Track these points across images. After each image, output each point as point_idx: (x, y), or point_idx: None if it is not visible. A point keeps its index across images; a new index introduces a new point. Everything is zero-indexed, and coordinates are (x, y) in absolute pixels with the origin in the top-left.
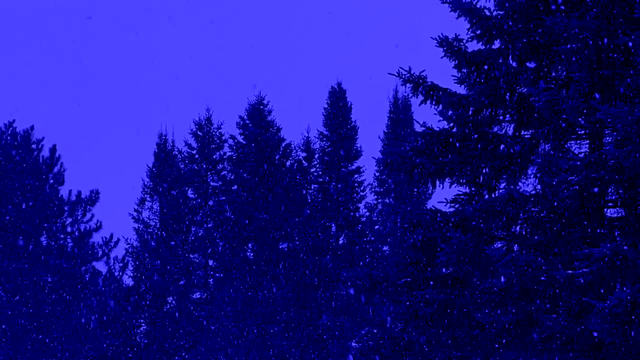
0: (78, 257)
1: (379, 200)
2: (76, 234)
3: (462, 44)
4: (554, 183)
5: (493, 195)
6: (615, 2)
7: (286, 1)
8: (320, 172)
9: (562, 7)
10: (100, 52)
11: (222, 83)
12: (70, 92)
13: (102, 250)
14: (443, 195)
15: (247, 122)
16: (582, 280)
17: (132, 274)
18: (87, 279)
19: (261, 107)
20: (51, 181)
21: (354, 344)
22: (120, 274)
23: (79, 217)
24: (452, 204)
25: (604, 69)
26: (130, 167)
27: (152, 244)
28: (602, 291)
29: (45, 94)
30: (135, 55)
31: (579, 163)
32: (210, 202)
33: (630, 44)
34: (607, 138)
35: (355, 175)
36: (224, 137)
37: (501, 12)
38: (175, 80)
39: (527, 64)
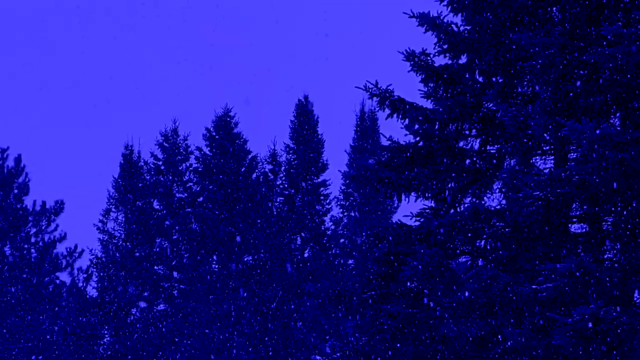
0: (42, 267)
1: (345, 214)
2: (40, 244)
3: (429, 58)
4: (519, 198)
5: (458, 210)
6: (581, 18)
7: (253, 13)
8: (286, 185)
9: (529, 23)
10: (65, 62)
11: (189, 94)
12: (35, 101)
13: (66, 260)
14: (408, 209)
15: (214, 133)
16: (546, 295)
17: (96, 285)
18: (51, 289)
19: (228, 119)
20: (15, 191)
21: (318, 358)
22: (85, 285)
23: (43, 227)
24: (418, 218)
25: (570, 85)
26: (96, 178)
27: (117, 255)
28: (566, 306)
29: (9, 102)
30: (102, 66)
31: (543, 178)
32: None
33: (594, 60)
34: (572, 154)
35: (321, 188)
36: (190, 149)
37: (468, 27)
38: (142, 91)
39: (494, 79)
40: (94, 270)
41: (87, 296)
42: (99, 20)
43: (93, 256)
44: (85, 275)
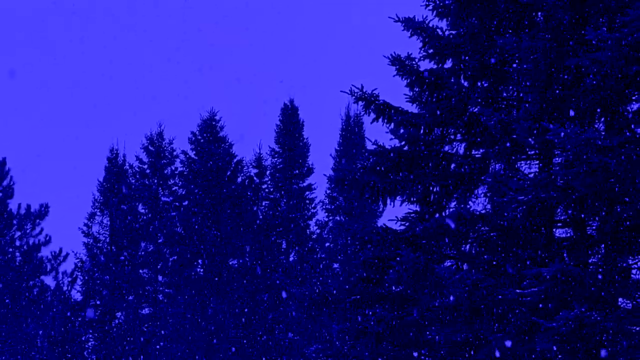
0: (26, 271)
1: (330, 218)
2: (25, 247)
3: (414, 62)
4: (504, 203)
5: (443, 214)
6: (566, 23)
7: (239, 17)
8: (271, 189)
9: (514, 28)
10: (51, 65)
11: (175, 98)
12: (20, 104)
13: (50, 264)
14: (394, 213)
15: (199, 137)
16: (530, 300)
17: (80, 289)
18: (35, 293)
19: (213, 122)
20: (0, 194)
21: None
22: (69, 288)
23: (27, 231)
24: (403, 222)
25: (554, 90)
26: (81, 182)
27: (102, 258)
28: (550, 311)
29: None
30: (87, 69)
31: (528, 183)
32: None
33: (579, 65)
34: (557, 159)
35: (307, 192)
36: (175, 152)
37: (453, 32)
38: (127, 95)
39: (479, 84)
40: (79, 274)
41: (72, 300)
42: (86, 25)
43: (78, 260)
44: (70, 279)
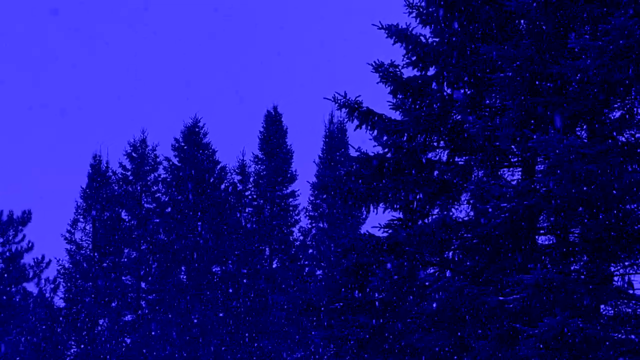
0: (9, 277)
1: (313, 225)
2: (7, 254)
3: (397, 70)
4: (487, 210)
5: (426, 221)
6: (549, 31)
7: (222, 23)
8: (254, 196)
9: (497, 36)
10: (33, 68)
11: (158, 105)
12: (1, 111)
13: (33, 271)
14: (377, 220)
15: (183, 144)
16: (513, 307)
17: (63, 296)
18: (18, 300)
19: (197, 129)
20: None
21: None
22: (52, 295)
23: (10, 238)
24: (386, 229)
25: (537, 98)
26: (64, 188)
27: (84, 265)
28: (532, 317)
29: None
30: (70, 75)
31: (511, 190)
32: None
33: (562, 73)
34: (539, 166)
35: (290, 199)
36: (158, 159)
37: (437, 39)
38: (110, 101)
39: (462, 91)
40: (61, 280)
41: (54, 306)
42: (68, 31)
43: (60, 266)
44: (52, 286)
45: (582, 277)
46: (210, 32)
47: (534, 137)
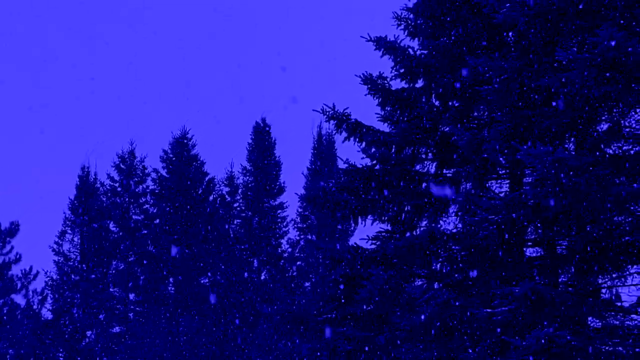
0: None
1: (302, 236)
2: None
3: (386, 82)
4: (475, 222)
5: (414, 233)
6: (536, 44)
7: (212, 35)
8: (243, 207)
9: (485, 48)
10: (21, 80)
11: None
12: None
13: (21, 282)
14: (365, 232)
15: (171, 155)
16: (501, 319)
17: (51, 307)
18: (5, 311)
19: (185, 141)
20: None
21: None
22: (39, 307)
23: None
24: (374, 241)
25: (525, 110)
26: (52, 199)
27: (72, 277)
28: (520, 330)
29: None
30: (58, 86)
31: (499, 202)
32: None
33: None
34: (527, 178)
35: (279, 211)
36: (147, 171)
37: (425, 52)
38: (98, 112)
39: (450, 103)
40: (49, 292)
41: (42, 318)
42: (58, 40)
43: (48, 278)
44: (40, 297)
45: (570, 289)
46: (200, 44)
47: (522, 149)
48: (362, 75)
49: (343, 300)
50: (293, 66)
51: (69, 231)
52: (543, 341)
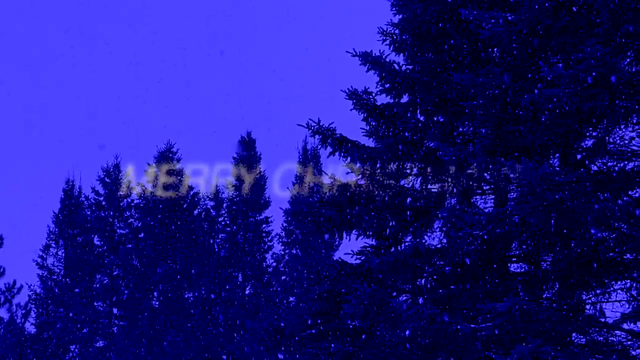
0: None
1: (287, 251)
2: None
3: (371, 97)
4: (459, 237)
5: (399, 248)
6: (522, 59)
7: (198, 48)
8: (228, 222)
9: (470, 63)
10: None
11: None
12: None
13: (4, 296)
14: (350, 247)
15: (156, 169)
16: (485, 335)
17: (34, 321)
18: None
19: (170, 154)
20: None
21: None
22: (23, 321)
23: None
24: (359, 256)
25: (510, 125)
26: (36, 213)
27: (56, 291)
28: (505, 345)
29: None
30: (42, 96)
31: (483, 218)
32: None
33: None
34: (512, 194)
35: (263, 225)
36: (132, 184)
37: (410, 67)
38: (83, 125)
39: (435, 119)
40: (33, 306)
41: (26, 332)
42: (44, 49)
43: (32, 292)
44: (23, 312)
45: (554, 305)
46: (186, 58)
47: (507, 165)
48: (347, 90)
49: (327, 316)
50: (277, 82)
51: (53, 245)
52: (527, 357)
